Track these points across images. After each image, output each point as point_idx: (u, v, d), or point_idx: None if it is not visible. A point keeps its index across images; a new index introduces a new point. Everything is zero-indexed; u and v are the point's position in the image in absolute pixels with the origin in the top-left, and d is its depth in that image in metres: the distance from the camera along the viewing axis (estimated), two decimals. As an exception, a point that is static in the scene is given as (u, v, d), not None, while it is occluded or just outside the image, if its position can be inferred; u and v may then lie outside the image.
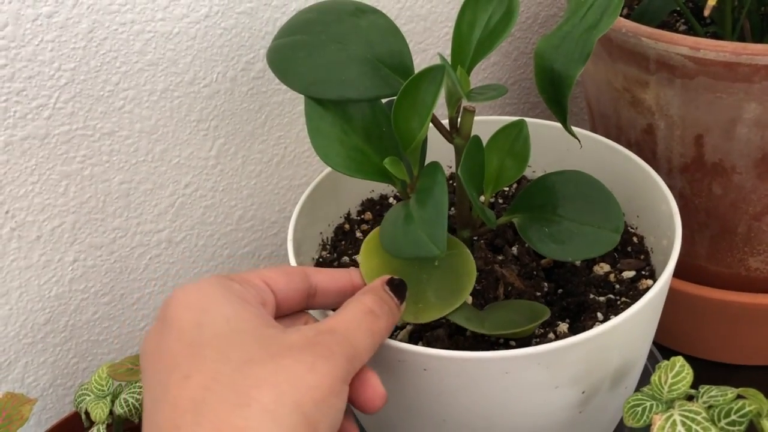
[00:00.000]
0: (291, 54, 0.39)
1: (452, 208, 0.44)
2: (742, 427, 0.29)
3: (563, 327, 0.39)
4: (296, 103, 0.51)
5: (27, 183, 0.43)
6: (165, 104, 0.46)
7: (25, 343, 0.47)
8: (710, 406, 0.30)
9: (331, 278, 0.35)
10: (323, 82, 0.38)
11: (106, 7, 0.41)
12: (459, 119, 0.39)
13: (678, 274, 0.51)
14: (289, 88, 0.38)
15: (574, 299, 0.41)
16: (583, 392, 0.35)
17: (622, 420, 0.34)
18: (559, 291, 0.43)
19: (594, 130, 0.53)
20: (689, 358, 0.54)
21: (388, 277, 0.34)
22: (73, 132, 0.43)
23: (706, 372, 0.53)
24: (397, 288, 0.34)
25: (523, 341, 0.38)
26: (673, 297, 0.51)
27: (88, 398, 0.39)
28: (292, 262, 0.39)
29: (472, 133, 0.39)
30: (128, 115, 0.44)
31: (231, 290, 0.30)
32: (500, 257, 0.44)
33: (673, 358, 0.33)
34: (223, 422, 0.25)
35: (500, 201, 0.50)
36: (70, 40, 0.41)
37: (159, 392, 0.26)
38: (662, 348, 0.55)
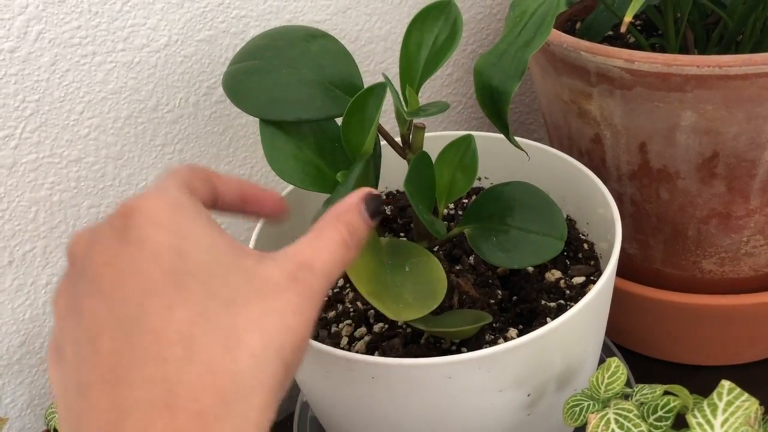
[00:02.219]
0: (245, 79, 0.41)
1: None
2: (669, 422, 0.30)
3: (513, 333, 0.40)
4: (260, 124, 0.53)
5: (-3, 210, 0.45)
6: (129, 130, 0.47)
7: (0, 365, 0.49)
8: (641, 404, 0.32)
9: (227, 185, 0.33)
10: (276, 104, 0.40)
11: (67, 41, 0.43)
12: (411, 136, 0.41)
13: (636, 278, 0.52)
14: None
15: (527, 306, 0.43)
16: (528, 395, 0.37)
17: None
18: (514, 298, 0.44)
19: (550, 140, 0.55)
20: (653, 361, 0.56)
21: (367, 190, 0.31)
22: (41, 160, 0.45)
23: (669, 373, 0.54)
24: (374, 202, 0.30)
25: (474, 348, 0.39)
26: (632, 301, 0.52)
27: (57, 415, 0.40)
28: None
29: (426, 149, 0.40)
30: (94, 142, 0.46)
31: (201, 213, 0.28)
32: (458, 267, 0.45)
33: (608, 359, 0.34)
34: (217, 364, 0.24)
35: (460, 213, 0.52)
36: (33, 72, 0.42)
37: (132, 313, 0.25)
38: (626, 351, 0.56)
